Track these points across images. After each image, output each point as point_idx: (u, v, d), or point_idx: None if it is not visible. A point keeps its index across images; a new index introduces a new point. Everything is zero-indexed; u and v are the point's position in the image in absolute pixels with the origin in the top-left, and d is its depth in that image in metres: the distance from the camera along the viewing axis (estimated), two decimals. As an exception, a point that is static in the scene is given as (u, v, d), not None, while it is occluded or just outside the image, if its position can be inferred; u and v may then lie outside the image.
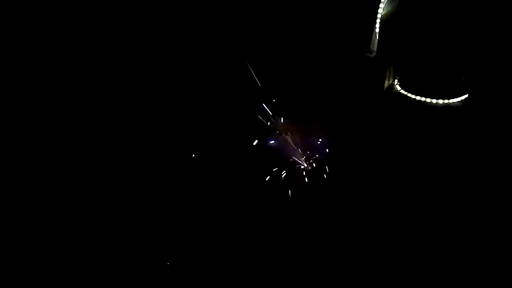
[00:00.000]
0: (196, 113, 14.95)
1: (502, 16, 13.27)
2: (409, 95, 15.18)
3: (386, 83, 15.50)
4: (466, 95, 14.65)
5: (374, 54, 15.48)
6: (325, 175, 14.79)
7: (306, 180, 14.84)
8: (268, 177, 14.68)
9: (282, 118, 15.19)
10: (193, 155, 14.46)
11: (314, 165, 14.98)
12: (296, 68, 15.74)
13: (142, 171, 13.54)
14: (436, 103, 14.87)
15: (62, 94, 13.77)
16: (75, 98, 13.80)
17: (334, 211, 14.00)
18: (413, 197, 13.77)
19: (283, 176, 14.77)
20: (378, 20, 15.15)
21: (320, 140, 15.20)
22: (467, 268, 12.03)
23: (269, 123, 14.95)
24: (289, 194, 14.45)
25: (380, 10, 15.03)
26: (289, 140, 15.11)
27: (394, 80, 15.50)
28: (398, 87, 15.38)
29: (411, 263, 12.36)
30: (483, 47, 13.77)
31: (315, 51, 15.77)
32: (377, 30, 15.22)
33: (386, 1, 14.92)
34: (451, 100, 14.81)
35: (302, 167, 15.03)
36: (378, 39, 15.25)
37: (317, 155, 15.11)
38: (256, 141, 14.85)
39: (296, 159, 15.04)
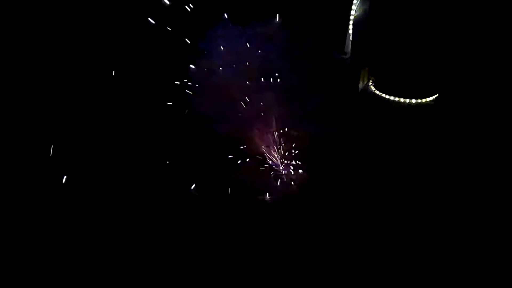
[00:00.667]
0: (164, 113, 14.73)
1: (473, 16, 13.93)
2: (383, 95, 15.56)
3: (361, 84, 15.79)
4: (437, 94, 15.27)
5: (348, 55, 15.73)
6: (302, 177, 14.75)
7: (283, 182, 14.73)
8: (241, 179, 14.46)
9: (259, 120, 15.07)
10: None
11: (291, 168, 14.88)
12: (271, 71, 15.62)
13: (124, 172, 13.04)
14: (410, 102, 15.36)
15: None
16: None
17: (313, 213, 13.96)
18: (389, 195, 14.05)
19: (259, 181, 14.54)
20: (351, 22, 15.42)
21: (295, 141, 15.15)
22: (459, 263, 12.32)
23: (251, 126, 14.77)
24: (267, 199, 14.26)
25: (352, 12, 15.30)
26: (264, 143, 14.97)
27: (368, 81, 15.81)
28: (373, 88, 15.72)
29: (402, 262, 12.48)
30: (454, 47, 14.40)
31: (289, 54, 15.73)
32: (350, 32, 15.49)
33: (358, 3, 15.26)
34: (423, 100, 15.37)
35: (279, 170, 14.89)
36: (352, 41, 15.51)
37: (293, 156, 15.03)
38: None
39: (272, 162, 14.88)
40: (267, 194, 14.21)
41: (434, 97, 15.24)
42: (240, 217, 13.11)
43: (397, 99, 15.31)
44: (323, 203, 13.98)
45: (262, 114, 14.92)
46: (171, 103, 14.70)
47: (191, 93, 14.92)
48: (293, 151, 14.86)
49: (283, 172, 14.74)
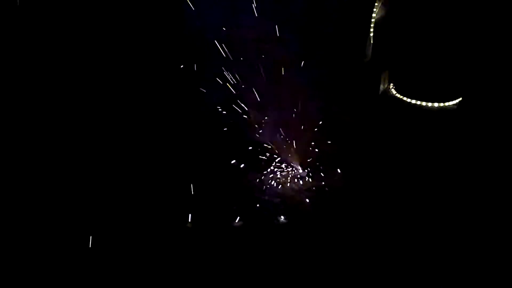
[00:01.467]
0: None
1: (494, 20, 13.55)
2: (405, 98, 15.36)
3: (382, 87, 15.66)
4: (461, 98, 14.91)
5: (369, 58, 15.67)
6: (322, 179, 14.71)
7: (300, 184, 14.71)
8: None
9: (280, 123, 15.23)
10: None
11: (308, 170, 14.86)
12: (294, 73, 15.77)
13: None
14: (432, 106, 15.08)
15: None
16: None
17: (330, 212, 13.91)
18: (409, 199, 13.80)
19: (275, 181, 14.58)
20: (372, 25, 15.36)
21: (314, 144, 15.14)
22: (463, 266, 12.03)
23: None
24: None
25: (374, 15, 15.23)
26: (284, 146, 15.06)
27: (389, 84, 15.66)
28: (394, 91, 15.55)
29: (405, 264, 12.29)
30: (477, 51, 14.03)
31: (311, 56, 15.84)
32: (371, 35, 15.43)
33: (379, 6, 15.19)
34: (446, 103, 15.04)
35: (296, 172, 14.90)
36: (373, 44, 15.44)
37: (312, 159, 15.03)
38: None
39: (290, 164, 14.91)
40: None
41: (457, 101, 14.90)
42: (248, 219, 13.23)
43: (418, 102, 15.09)
44: (342, 206, 13.94)
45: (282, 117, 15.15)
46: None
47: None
48: (312, 154, 14.93)
49: (300, 173, 14.80)
